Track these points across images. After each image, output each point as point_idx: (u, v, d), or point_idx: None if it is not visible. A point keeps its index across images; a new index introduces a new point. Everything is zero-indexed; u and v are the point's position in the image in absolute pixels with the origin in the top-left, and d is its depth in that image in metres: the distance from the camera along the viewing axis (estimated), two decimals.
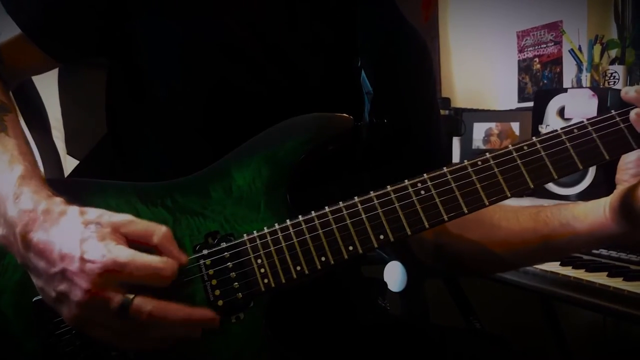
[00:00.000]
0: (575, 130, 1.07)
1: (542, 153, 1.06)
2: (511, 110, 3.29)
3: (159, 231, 1.01)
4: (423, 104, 1.50)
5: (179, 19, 1.24)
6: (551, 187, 2.47)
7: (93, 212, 1.01)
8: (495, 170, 1.06)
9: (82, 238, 0.97)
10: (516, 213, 1.33)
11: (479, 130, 3.13)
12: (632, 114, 1.05)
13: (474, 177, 1.06)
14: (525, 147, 1.07)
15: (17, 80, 1.35)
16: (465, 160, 1.08)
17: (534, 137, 1.08)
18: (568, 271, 1.77)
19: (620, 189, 1.14)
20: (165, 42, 1.25)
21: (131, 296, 0.96)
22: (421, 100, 1.49)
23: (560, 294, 1.78)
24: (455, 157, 3.15)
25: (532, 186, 1.06)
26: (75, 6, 1.24)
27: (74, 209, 1.02)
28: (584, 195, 2.39)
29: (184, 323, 0.99)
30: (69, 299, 0.97)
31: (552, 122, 2.59)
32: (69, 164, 1.60)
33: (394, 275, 2.40)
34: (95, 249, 0.95)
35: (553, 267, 1.80)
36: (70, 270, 0.96)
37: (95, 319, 0.98)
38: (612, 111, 1.08)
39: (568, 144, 1.06)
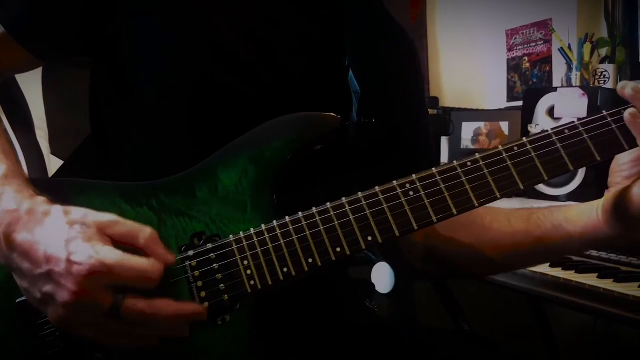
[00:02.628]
0: (566, 131, 1.07)
1: (533, 154, 1.06)
2: (500, 109, 3.29)
3: (144, 232, 1.01)
4: (411, 105, 1.50)
5: (164, 18, 1.24)
6: (541, 187, 2.48)
7: (77, 212, 1.01)
8: (485, 171, 1.07)
9: (67, 239, 0.97)
10: (508, 215, 1.33)
11: (468, 130, 3.14)
12: (626, 114, 1.05)
13: (463, 178, 1.07)
14: (516, 148, 1.07)
15: None
16: (455, 161, 1.08)
17: (524, 138, 1.08)
18: (558, 272, 1.77)
19: (613, 191, 1.14)
20: (151, 41, 1.25)
21: (121, 296, 0.96)
22: (409, 101, 1.49)
23: (549, 295, 1.78)
24: (444, 157, 3.16)
25: (522, 187, 1.06)
26: (59, 4, 1.24)
27: (57, 209, 1.02)
28: (574, 196, 2.40)
29: (173, 319, 1.00)
30: (55, 300, 0.97)
31: (541, 122, 2.60)
32: (53, 164, 1.60)
33: (382, 277, 2.40)
34: (81, 250, 0.95)
35: (543, 268, 1.80)
36: (57, 271, 0.96)
37: (83, 320, 0.98)
38: (604, 111, 1.08)
39: (559, 145, 1.06)
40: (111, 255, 0.96)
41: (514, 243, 1.30)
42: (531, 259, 1.35)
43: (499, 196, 1.06)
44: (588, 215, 1.18)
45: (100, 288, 0.95)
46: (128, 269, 0.96)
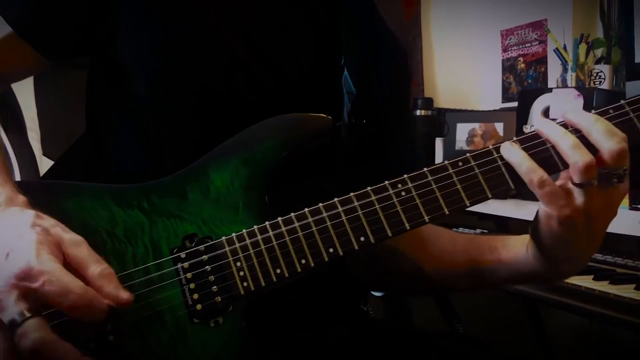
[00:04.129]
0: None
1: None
2: (495, 110, 3.31)
3: (97, 267, 0.96)
4: (401, 108, 1.53)
5: (163, 20, 1.25)
6: None
7: (48, 220, 1.00)
8: (477, 170, 1.08)
9: (21, 234, 0.96)
10: (453, 235, 1.37)
11: (462, 131, 3.15)
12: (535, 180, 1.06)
13: (454, 178, 1.08)
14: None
15: (2, 86, 1.35)
16: (446, 161, 1.10)
17: (513, 137, 1.10)
18: None
19: (532, 226, 1.16)
20: (149, 43, 1.26)
21: (29, 314, 0.90)
22: (399, 103, 1.52)
23: (544, 297, 1.80)
24: (438, 158, 3.16)
25: (512, 187, 1.08)
26: (66, 1, 1.25)
27: (31, 211, 1.01)
28: None
29: None
30: None
31: (536, 123, 2.61)
32: (45, 165, 1.60)
33: None
34: (26, 248, 0.93)
35: None
36: None
37: None
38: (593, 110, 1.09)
39: (548, 145, 1.08)
40: (48, 263, 0.92)
41: (452, 261, 1.33)
42: (464, 282, 1.35)
43: (489, 195, 1.08)
44: (521, 244, 1.21)
45: (21, 294, 0.91)
46: (55, 282, 0.90)
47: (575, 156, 1.02)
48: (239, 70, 1.27)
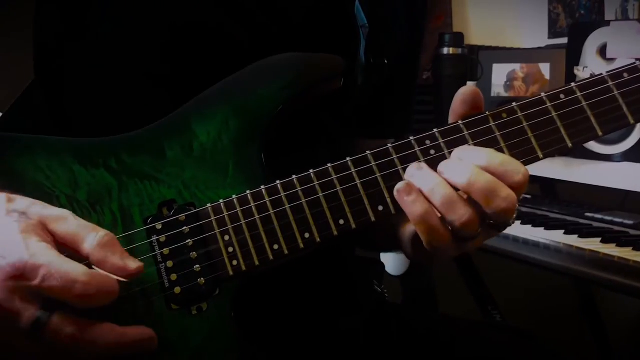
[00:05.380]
0: (625, 75, 1.07)
1: (584, 103, 1.06)
2: (540, 48, 3.29)
3: (94, 236, 0.97)
4: (417, 45, 1.53)
5: None
6: (592, 145, 2.48)
7: (22, 201, 1.00)
8: (525, 124, 1.06)
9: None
10: None
11: (500, 74, 3.13)
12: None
13: (497, 134, 1.06)
14: (562, 96, 1.07)
15: None
16: (487, 112, 1.08)
17: (572, 83, 1.07)
18: (611, 249, 1.78)
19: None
20: None
21: (47, 313, 0.92)
22: (415, 39, 1.52)
23: (600, 277, 1.79)
24: None
25: (570, 145, 1.06)
26: None
27: (0, 195, 1.00)
28: (630, 155, 2.41)
29: (115, 347, 0.96)
30: None
31: (591, 64, 2.59)
32: None
33: (394, 256, 2.41)
34: (11, 242, 0.93)
35: (593, 244, 1.81)
36: None
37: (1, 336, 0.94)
38: None
39: (616, 92, 1.06)
40: (42, 254, 0.93)
41: None
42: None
43: (541, 156, 1.06)
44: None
45: (24, 296, 0.92)
46: (56, 275, 0.91)
47: (450, 215, 1.01)
48: (228, 2, 1.24)
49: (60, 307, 0.93)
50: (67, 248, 0.96)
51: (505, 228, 1.06)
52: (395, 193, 1.02)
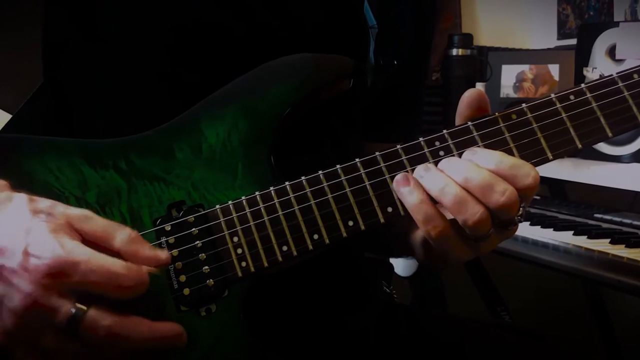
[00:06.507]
0: (636, 76, 1.06)
1: (594, 104, 1.05)
2: (549, 49, 3.28)
3: (123, 232, 0.99)
4: (426, 45, 1.52)
5: None
6: (600, 146, 2.47)
7: (44, 202, 0.99)
8: (534, 125, 1.06)
9: (28, 227, 0.95)
10: None
11: (509, 75, 3.12)
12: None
13: (506, 135, 1.06)
14: (572, 97, 1.06)
15: None
16: (496, 113, 1.07)
17: (582, 84, 1.07)
18: (620, 250, 1.77)
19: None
20: None
21: (85, 307, 0.93)
22: (425, 39, 1.52)
23: (609, 278, 1.79)
24: None
25: (580, 145, 1.06)
26: None
27: (21, 195, 1.00)
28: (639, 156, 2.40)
29: (147, 341, 0.97)
30: (2, 305, 0.94)
31: (600, 65, 2.59)
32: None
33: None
34: (44, 242, 0.93)
35: (601, 245, 1.80)
36: (9, 267, 0.93)
37: (33, 338, 0.94)
38: None
39: (626, 93, 1.05)
40: (79, 250, 0.93)
41: None
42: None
43: (550, 157, 1.06)
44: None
45: (61, 292, 0.93)
46: (97, 269, 0.93)
47: (461, 213, 1.01)
48: (235, 2, 1.24)
49: (95, 301, 0.93)
50: (96, 245, 0.97)
51: (511, 227, 1.05)
52: (394, 184, 1.03)
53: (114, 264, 0.94)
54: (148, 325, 0.96)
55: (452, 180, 1.01)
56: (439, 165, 1.04)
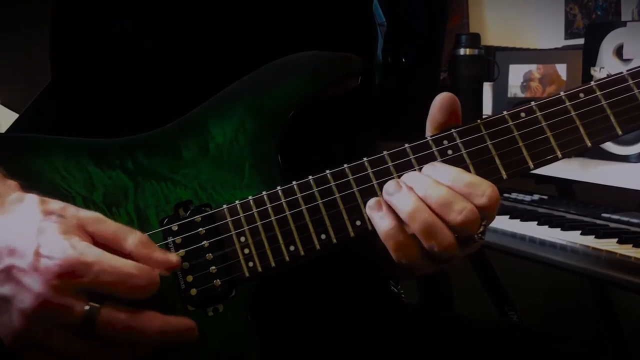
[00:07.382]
0: None
1: (603, 102, 1.04)
2: (556, 49, 3.28)
3: (134, 235, 0.99)
4: (438, 43, 1.52)
5: None
6: (608, 146, 2.46)
7: (56, 203, 1.00)
8: (543, 124, 1.05)
9: (39, 228, 0.95)
10: None
11: (516, 74, 3.12)
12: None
13: (515, 133, 1.05)
14: (582, 95, 1.05)
15: None
16: (505, 112, 1.06)
17: (591, 82, 1.06)
18: (628, 250, 1.77)
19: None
20: None
21: (97, 305, 0.93)
22: (436, 38, 1.51)
23: (617, 278, 1.79)
24: (487, 108, 3.14)
25: (589, 144, 1.04)
26: None
27: (32, 196, 1.00)
28: None
29: (160, 335, 0.97)
30: (12, 306, 0.94)
31: (607, 64, 2.58)
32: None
33: None
34: (55, 242, 0.93)
35: (609, 245, 1.80)
36: (20, 267, 0.93)
37: (45, 337, 0.94)
38: None
39: (636, 91, 1.04)
40: (90, 251, 0.94)
41: None
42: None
43: (560, 156, 1.05)
44: None
45: (74, 292, 0.93)
46: (109, 270, 0.93)
47: (428, 240, 1.00)
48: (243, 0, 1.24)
49: (107, 299, 0.94)
50: (107, 247, 0.97)
51: (471, 243, 1.03)
52: (367, 210, 1.03)
53: (126, 265, 0.94)
54: (162, 319, 0.97)
55: (423, 205, 1.00)
56: (402, 178, 1.03)
